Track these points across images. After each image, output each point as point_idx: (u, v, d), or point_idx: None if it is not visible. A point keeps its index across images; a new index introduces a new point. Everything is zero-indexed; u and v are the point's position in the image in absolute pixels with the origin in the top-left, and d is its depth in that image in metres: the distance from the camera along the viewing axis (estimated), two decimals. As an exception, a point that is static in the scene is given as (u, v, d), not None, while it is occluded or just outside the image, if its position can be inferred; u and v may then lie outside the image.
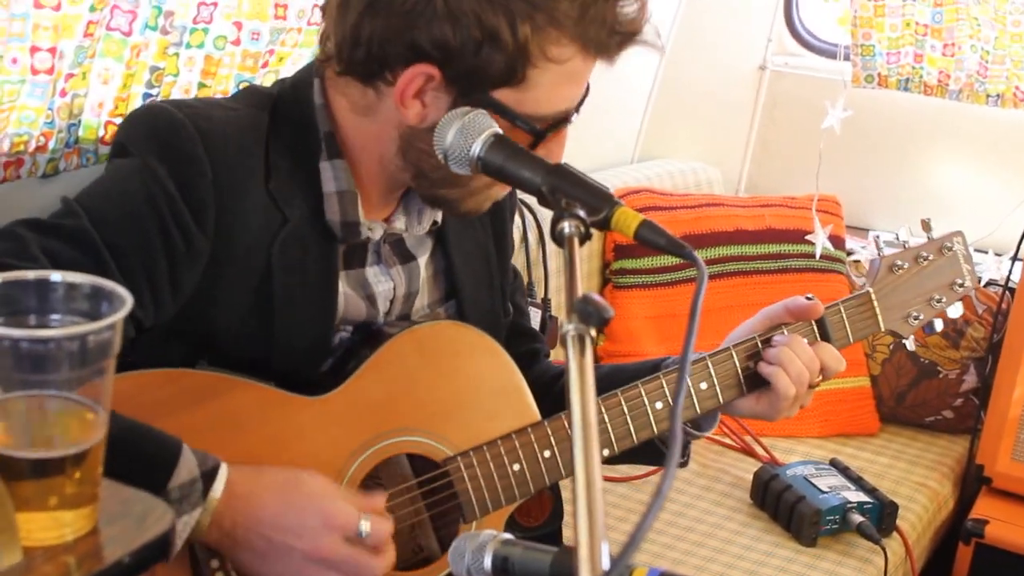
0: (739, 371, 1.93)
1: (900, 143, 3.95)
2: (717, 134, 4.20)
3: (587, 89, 1.74)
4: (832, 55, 3.97)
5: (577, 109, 1.73)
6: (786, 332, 1.96)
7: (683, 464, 2.07)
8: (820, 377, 1.93)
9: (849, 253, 3.55)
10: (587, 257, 3.40)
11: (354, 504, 1.63)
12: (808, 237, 3.37)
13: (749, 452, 3.22)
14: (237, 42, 2.16)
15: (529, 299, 2.83)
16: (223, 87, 2.18)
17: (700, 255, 1.42)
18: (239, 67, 2.19)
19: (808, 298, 1.98)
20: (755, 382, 1.94)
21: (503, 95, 1.64)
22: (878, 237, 2.10)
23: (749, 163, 4.22)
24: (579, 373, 1.15)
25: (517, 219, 2.91)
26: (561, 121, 1.71)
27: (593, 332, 1.19)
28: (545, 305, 2.95)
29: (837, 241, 3.55)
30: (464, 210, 1.81)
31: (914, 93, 3.75)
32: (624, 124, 3.97)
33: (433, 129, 1.65)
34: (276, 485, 1.60)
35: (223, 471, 1.54)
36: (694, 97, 4.09)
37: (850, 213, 3.79)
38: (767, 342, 1.95)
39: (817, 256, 3.40)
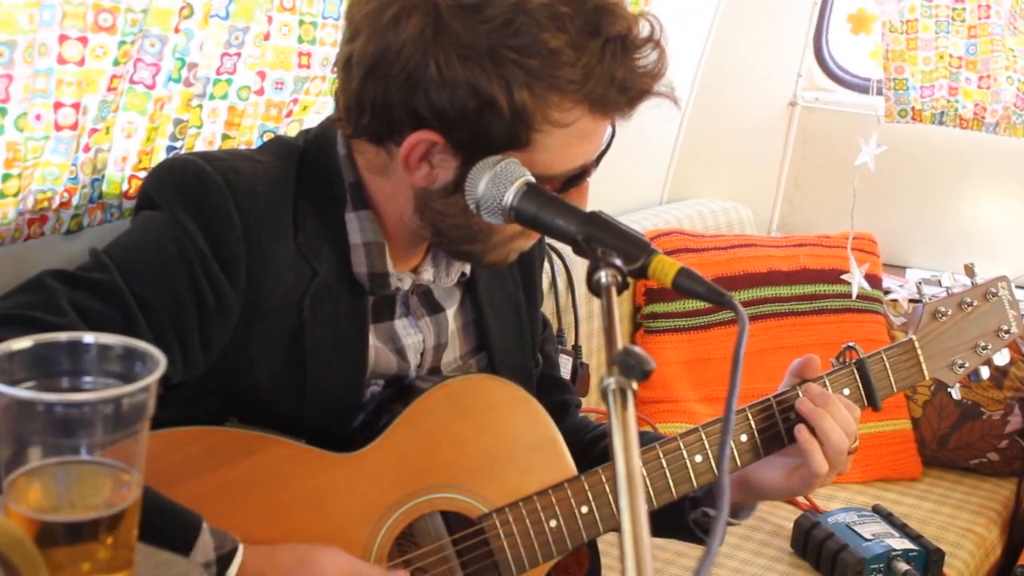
0: (780, 424, 1.93)
1: (936, 178, 3.95)
2: (748, 173, 4.21)
3: (610, 141, 1.73)
4: (864, 89, 3.98)
5: (596, 163, 1.73)
6: (827, 382, 1.95)
7: None
8: (857, 442, 1.93)
9: (886, 292, 3.56)
10: (617, 301, 3.40)
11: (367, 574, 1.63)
12: (844, 277, 3.37)
13: (789, 499, 3.21)
14: (261, 92, 2.18)
15: (560, 346, 2.84)
16: (247, 138, 2.21)
17: (733, 297, 1.42)
18: (263, 117, 2.21)
19: (850, 347, 1.99)
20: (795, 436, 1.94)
21: (510, 157, 1.63)
22: (920, 282, 2.09)
23: (781, 202, 4.23)
24: (621, 427, 1.16)
25: (546, 265, 2.93)
26: (577, 178, 1.70)
27: (635, 385, 1.20)
28: (576, 352, 2.95)
29: (874, 280, 3.55)
30: (489, 262, 1.81)
31: (949, 127, 3.76)
32: (652, 164, 3.98)
33: (446, 191, 1.67)
34: (289, 564, 1.60)
35: (239, 554, 1.54)
36: (723, 135, 4.10)
37: (886, 251, 3.79)
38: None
39: (854, 296, 3.39)
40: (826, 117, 4.12)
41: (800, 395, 1.93)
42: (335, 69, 1.75)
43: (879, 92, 3.78)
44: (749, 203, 4.06)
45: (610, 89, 1.62)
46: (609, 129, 1.73)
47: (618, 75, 1.62)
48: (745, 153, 4.19)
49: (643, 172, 3.95)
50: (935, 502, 3.33)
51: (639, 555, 1.02)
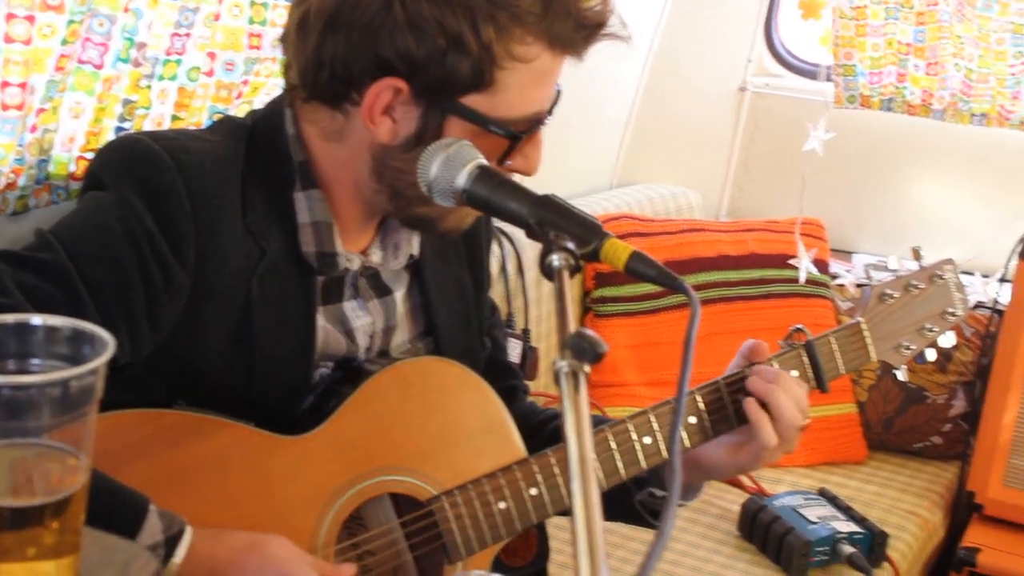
0: (728, 405, 1.93)
1: (884, 164, 3.98)
2: (697, 158, 4.22)
3: (559, 92, 1.75)
4: (813, 75, 4.00)
5: (550, 111, 1.74)
6: (776, 364, 1.96)
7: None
8: (808, 419, 1.93)
9: (834, 277, 3.58)
10: (569, 285, 3.39)
11: (319, 570, 1.62)
12: (792, 261, 3.38)
13: (736, 482, 3.23)
14: (211, 73, 2.16)
15: (509, 330, 2.84)
16: (196, 119, 2.18)
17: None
18: (213, 98, 2.19)
19: (798, 329, 1.99)
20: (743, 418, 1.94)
21: (473, 101, 1.65)
22: (868, 266, 2.10)
23: (730, 187, 4.24)
24: (574, 410, 1.16)
25: (495, 248, 2.92)
26: (535, 123, 1.72)
27: (587, 368, 1.20)
28: (525, 335, 2.95)
29: (821, 265, 3.57)
30: (444, 229, 1.80)
31: (897, 113, 3.78)
32: (602, 149, 3.98)
33: (407, 145, 1.67)
34: (238, 549, 1.59)
35: (187, 536, 1.54)
36: (673, 120, 4.11)
37: (834, 236, 3.81)
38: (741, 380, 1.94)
39: (801, 281, 3.41)
40: (776, 103, 4.13)
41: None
42: (285, 39, 1.74)
43: (828, 78, 3.80)
44: (698, 188, 4.08)
45: (568, 23, 1.65)
46: (556, 88, 1.74)
47: (573, 10, 1.65)
48: (695, 138, 4.20)
49: (593, 157, 3.96)
50: (880, 485, 3.36)
51: (592, 538, 1.02)
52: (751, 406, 1.89)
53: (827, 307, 3.58)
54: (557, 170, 3.55)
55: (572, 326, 1.25)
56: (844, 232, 3.95)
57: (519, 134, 1.69)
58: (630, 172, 4.06)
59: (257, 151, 1.76)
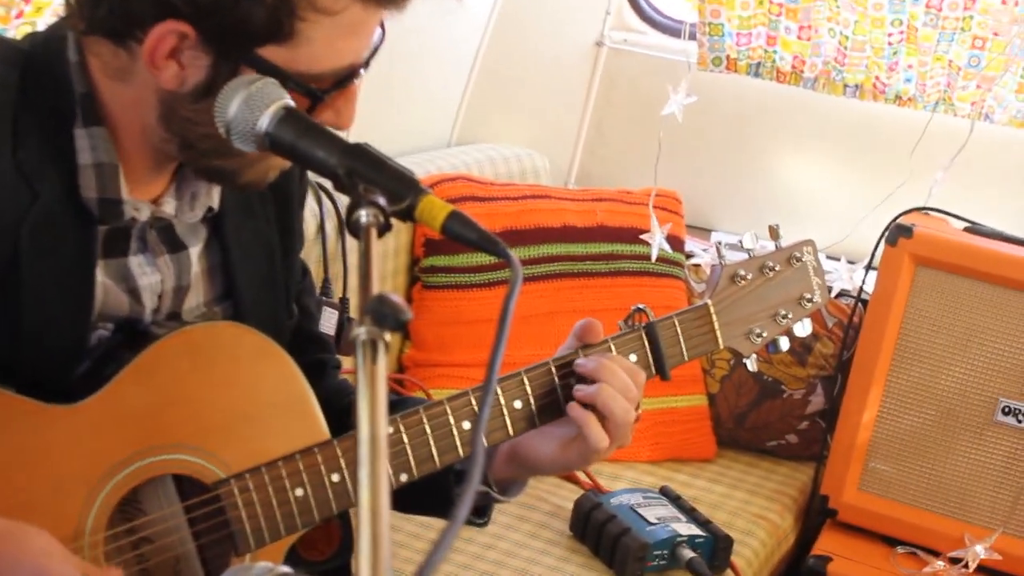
0: (558, 390, 1.93)
1: (748, 134, 4.02)
2: (546, 117, 4.23)
3: (381, 39, 1.72)
4: (677, 33, 4.02)
5: (366, 64, 1.71)
6: (613, 347, 1.96)
7: (482, 525, 2.04)
8: (640, 411, 1.93)
9: (689, 256, 3.61)
10: (394, 252, 3.39)
11: (79, 568, 1.59)
12: (644, 236, 3.40)
13: (570, 477, 3.24)
14: (-14, -13, 2.10)
15: (325, 298, 2.82)
16: (-32, 40, 2.12)
17: (521, 253, 1.42)
18: (-12, 17, 2.13)
19: (640, 309, 1.99)
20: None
21: (271, 53, 1.61)
22: (720, 243, 2.10)
23: (581, 151, 4.25)
24: (369, 382, 1.14)
25: (314, 206, 2.89)
26: (345, 78, 1.69)
27: (388, 336, 1.19)
28: (343, 305, 2.93)
29: (676, 242, 3.60)
30: (245, 182, 1.77)
31: (765, 79, 3.82)
32: (441, 102, 3.96)
33: (196, 94, 1.63)
34: None
35: None
36: (521, 75, 4.11)
37: (691, 211, 3.84)
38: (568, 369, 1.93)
39: (653, 258, 3.43)
40: (635, 61, 4.15)
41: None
42: None
43: (692, 37, 3.82)
44: (546, 150, 4.08)
45: None
46: (379, 31, 1.71)
47: None
48: (544, 95, 4.20)
49: (430, 110, 3.94)
50: (728, 486, 3.40)
51: (377, 529, 1.01)
52: (575, 410, 1.88)
53: (680, 288, 3.61)
54: (390, 124, 3.53)
55: (375, 290, 1.23)
56: (703, 207, 3.99)
57: (321, 93, 1.66)
58: (471, 129, 4.05)
59: (33, 80, 1.71)
